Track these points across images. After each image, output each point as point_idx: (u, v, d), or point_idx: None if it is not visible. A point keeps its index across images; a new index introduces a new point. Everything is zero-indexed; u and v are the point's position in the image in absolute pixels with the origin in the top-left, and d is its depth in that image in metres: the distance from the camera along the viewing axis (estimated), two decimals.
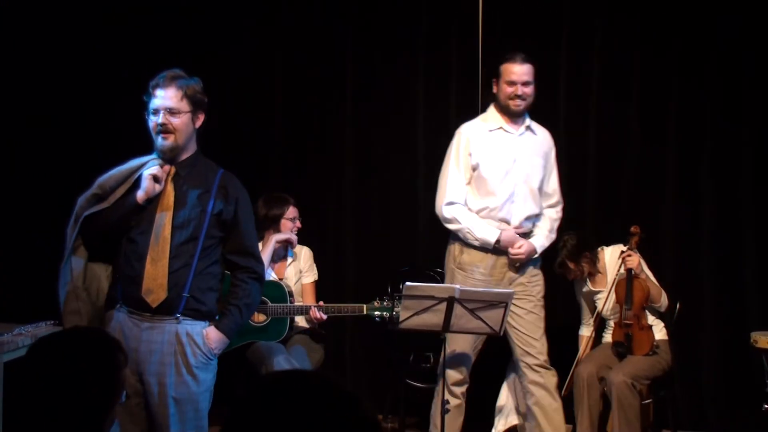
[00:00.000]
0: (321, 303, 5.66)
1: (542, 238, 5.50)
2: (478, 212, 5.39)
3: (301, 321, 5.87)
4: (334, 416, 1.68)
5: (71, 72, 6.71)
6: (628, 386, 5.38)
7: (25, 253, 6.22)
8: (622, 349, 5.63)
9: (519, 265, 5.41)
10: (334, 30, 6.89)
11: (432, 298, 4.82)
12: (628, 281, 5.60)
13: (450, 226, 5.43)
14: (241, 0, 6.89)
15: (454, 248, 5.49)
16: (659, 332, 5.74)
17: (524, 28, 6.66)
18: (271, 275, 5.86)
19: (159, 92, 3.99)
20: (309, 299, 5.93)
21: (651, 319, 5.72)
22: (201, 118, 4.11)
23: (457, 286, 4.84)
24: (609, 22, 6.56)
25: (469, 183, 5.44)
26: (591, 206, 6.55)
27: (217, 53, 6.83)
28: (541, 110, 6.11)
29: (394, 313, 5.33)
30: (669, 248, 6.39)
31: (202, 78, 6.49)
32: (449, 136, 6.66)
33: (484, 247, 5.36)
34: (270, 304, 5.67)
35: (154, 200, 3.99)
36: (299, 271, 6.00)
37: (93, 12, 6.76)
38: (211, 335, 4.06)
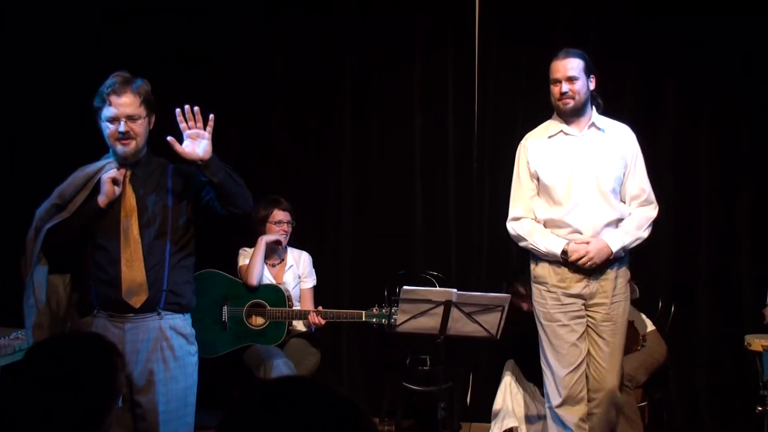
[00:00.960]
0: (320, 308, 5.61)
1: (621, 234, 4.73)
2: (545, 223, 4.82)
3: (298, 325, 5.80)
4: (331, 424, 1.63)
5: (67, 73, 6.61)
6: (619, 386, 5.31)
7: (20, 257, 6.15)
8: None
9: (596, 275, 4.72)
10: (333, 36, 6.85)
11: (429, 301, 4.78)
12: None
13: (519, 243, 4.92)
14: (241, 3, 6.84)
15: (531, 263, 4.91)
16: (646, 323, 5.70)
17: (520, 32, 6.63)
18: (268, 279, 5.79)
19: (115, 100, 3.87)
20: (307, 304, 5.89)
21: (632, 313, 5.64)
22: (153, 120, 4.01)
23: (454, 290, 4.77)
24: (602, 27, 6.52)
25: (538, 194, 4.88)
26: None
27: (215, 57, 6.79)
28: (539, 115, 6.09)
29: (392, 320, 5.26)
30: (664, 251, 6.33)
31: (200, 80, 6.52)
32: (446, 141, 6.64)
33: (556, 260, 4.75)
34: (269, 307, 5.60)
35: (115, 204, 3.91)
36: (298, 277, 5.94)
37: (84, 12, 6.68)
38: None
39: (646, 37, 6.48)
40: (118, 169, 3.93)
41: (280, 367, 5.34)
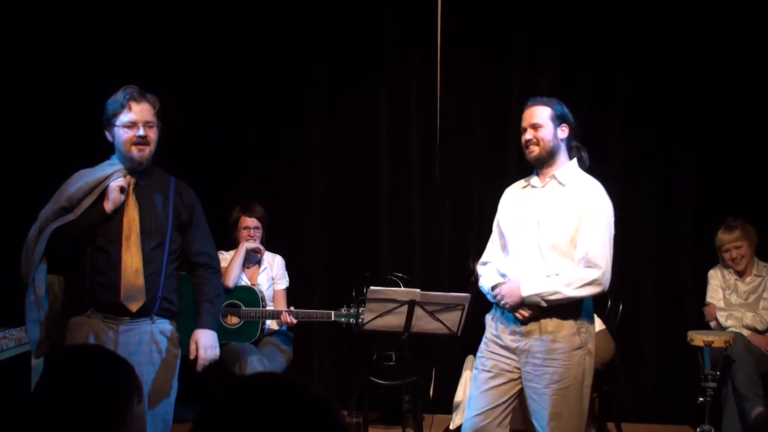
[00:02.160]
0: (291, 308, 5.66)
1: (541, 281, 4.08)
2: (504, 277, 4.27)
3: (272, 324, 5.86)
4: (302, 417, 1.66)
5: (63, 77, 6.61)
6: None
7: (9, 256, 6.12)
8: None
9: (530, 333, 4.11)
10: (306, 48, 6.89)
11: (394, 301, 4.80)
12: None
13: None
14: (214, 23, 6.85)
15: None
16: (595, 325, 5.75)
17: (480, 47, 6.71)
18: (243, 280, 5.85)
19: (135, 106, 3.94)
20: (280, 305, 5.94)
21: None
22: (159, 131, 4.10)
23: (418, 290, 4.82)
24: (557, 51, 6.64)
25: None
26: None
27: (193, 64, 6.81)
28: (494, 124, 6.19)
29: (360, 320, 5.32)
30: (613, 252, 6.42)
31: (180, 96, 6.55)
32: (410, 150, 6.70)
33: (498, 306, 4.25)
34: (243, 307, 5.65)
35: (119, 210, 3.95)
36: (272, 278, 6.00)
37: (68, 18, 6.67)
38: (201, 339, 4.11)
39: (598, 62, 6.60)
40: (125, 177, 3.98)
41: (254, 363, 5.39)
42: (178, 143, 6.73)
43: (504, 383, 4.17)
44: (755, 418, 5.16)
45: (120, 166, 4.00)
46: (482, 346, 4.29)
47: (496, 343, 4.20)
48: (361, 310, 5.30)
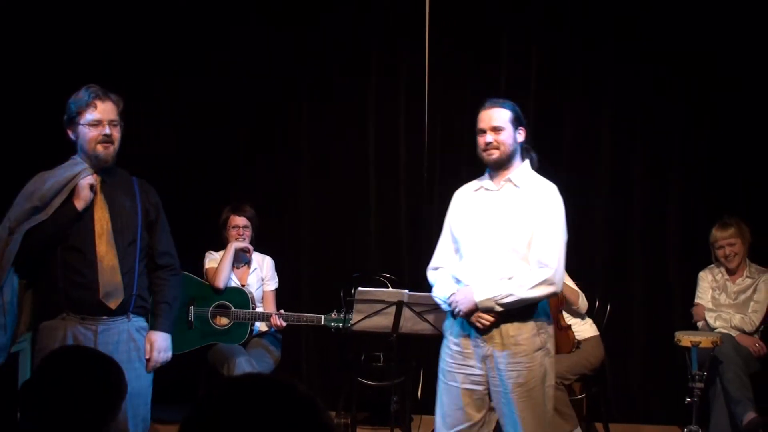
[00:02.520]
0: (282, 311, 5.64)
1: (495, 285, 4.04)
2: (458, 281, 4.21)
3: (261, 326, 5.84)
4: (291, 420, 1.65)
5: (24, 77, 6.56)
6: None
7: None
8: None
9: (491, 335, 4.06)
10: (292, 49, 6.87)
11: (382, 302, 4.81)
12: None
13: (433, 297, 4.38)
14: (200, 21, 6.82)
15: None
16: (588, 330, 5.75)
17: (468, 45, 6.70)
18: (233, 281, 5.83)
19: (100, 105, 3.92)
20: (269, 306, 5.93)
21: (571, 320, 5.72)
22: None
23: (406, 291, 4.81)
24: (544, 49, 6.64)
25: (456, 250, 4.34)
26: None
27: (179, 62, 6.80)
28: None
29: (349, 324, 5.31)
30: (600, 255, 6.43)
31: (164, 94, 6.53)
32: (398, 152, 6.69)
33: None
34: (233, 309, 5.64)
35: (88, 208, 3.92)
36: (261, 279, 5.98)
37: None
38: (157, 341, 4.06)
39: (588, 59, 6.60)
40: (93, 175, 3.95)
41: (243, 364, 5.37)
42: (169, 143, 6.77)
43: (478, 396, 4.14)
44: (747, 424, 5.16)
45: (84, 165, 3.97)
46: (447, 359, 4.21)
47: (461, 354, 4.15)
48: (349, 314, 5.30)
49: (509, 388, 4.03)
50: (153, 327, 4.09)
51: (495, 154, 4.16)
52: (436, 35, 6.62)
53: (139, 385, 3.96)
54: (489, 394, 4.12)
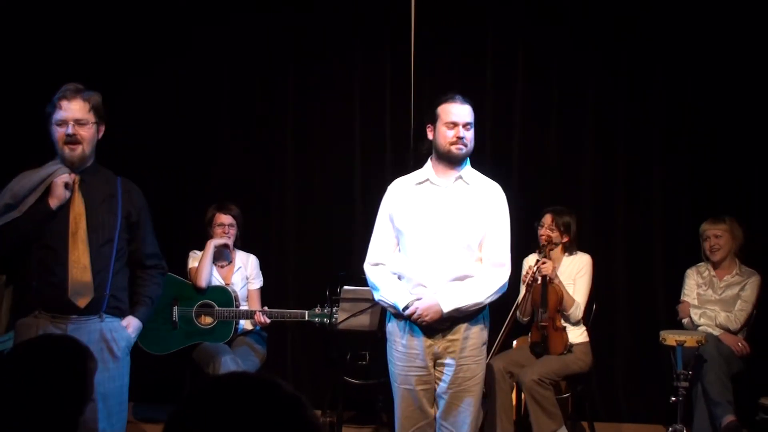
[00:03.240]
0: (265, 308, 5.63)
1: (459, 295, 4.08)
2: (401, 277, 4.23)
3: (246, 324, 5.82)
4: (277, 418, 1.64)
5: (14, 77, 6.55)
6: (537, 383, 5.37)
7: None
8: (539, 349, 5.64)
9: (443, 335, 4.12)
10: (275, 41, 6.84)
11: (368, 300, 4.78)
12: (543, 286, 5.61)
13: (373, 294, 4.36)
14: (190, 5, 6.79)
15: (387, 318, 4.36)
16: (579, 336, 5.74)
17: (453, 37, 6.69)
18: (217, 280, 5.81)
19: (65, 104, 3.89)
20: (254, 304, 5.92)
21: (564, 324, 5.72)
22: (102, 130, 4.03)
23: None
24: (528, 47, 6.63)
25: (398, 244, 4.31)
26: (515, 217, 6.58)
27: (163, 57, 6.76)
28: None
29: (333, 319, 5.32)
30: (586, 251, 6.40)
31: (153, 82, 6.49)
32: (384, 150, 6.67)
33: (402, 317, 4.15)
34: (217, 307, 5.62)
35: (64, 207, 3.89)
36: (246, 278, 5.96)
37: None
38: (131, 323, 4.06)
39: (568, 59, 6.61)
40: (69, 174, 3.92)
41: (228, 363, 5.35)
42: (148, 140, 6.73)
43: (430, 394, 4.20)
44: (725, 427, 5.16)
45: (61, 164, 3.95)
46: (396, 362, 4.23)
47: (408, 355, 4.17)
48: (334, 309, 5.30)
49: (459, 381, 4.13)
50: (132, 313, 4.09)
51: (464, 150, 4.18)
52: (422, 29, 6.60)
53: (112, 386, 3.93)
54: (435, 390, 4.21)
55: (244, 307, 5.82)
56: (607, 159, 6.61)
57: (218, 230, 5.90)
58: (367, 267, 4.36)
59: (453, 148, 4.16)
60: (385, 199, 4.37)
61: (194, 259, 5.85)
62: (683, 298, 5.94)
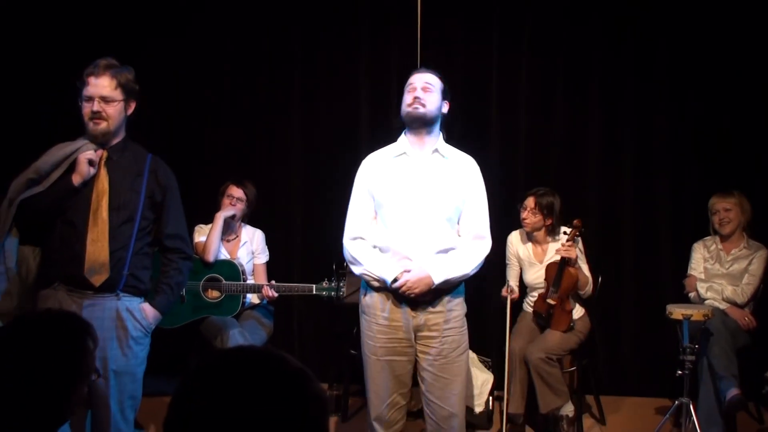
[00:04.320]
0: (273, 282, 5.62)
1: (448, 266, 4.10)
2: (383, 250, 4.21)
3: (253, 298, 5.82)
4: (283, 391, 1.64)
5: (36, 55, 6.53)
6: (543, 360, 5.41)
7: None
8: (541, 321, 5.66)
9: (425, 307, 4.12)
10: (282, 17, 6.82)
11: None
12: (560, 267, 5.59)
13: (353, 269, 4.29)
14: None
15: (361, 291, 4.32)
16: (579, 310, 5.77)
17: (459, 11, 6.67)
18: (223, 254, 5.80)
19: (93, 80, 3.89)
20: (261, 279, 5.91)
21: (573, 303, 5.73)
22: (132, 106, 4.03)
23: None
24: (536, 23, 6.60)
25: (375, 217, 4.30)
26: (521, 184, 6.58)
27: (170, 31, 6.75)
28: (474, 89, 6.16)
29: (341, 293, 5.33)
30: (593, 227, 6.40)
31: (159, 62, 6.46)
32: (390, 126, 6.62)
33: (386, 288, 4.13)
34: (224, 281, 5.62)
35: (88, 183, 3.88)
36: (252, 252, 5.96)
37: None
38: (147, 311, 4.02)
39: (574, 36, 6.58)
40: (96, 151, 3.91)
41: (236, 336, 5.35)
42: (155, 115, 6.71)
43: (407, 366, 4.19)
44: (730, 400, 5.16)
45: (87, 141, 3.94)
46: (373, 335, 4.18)
47: (389, 327, 4.15)
48: (341, 283, 5.30)
49: (445, 353, 4.12)
50: (149, 300, 4.07)
51: (420, 110, 4.14)
52: (429, 7, 6.55)
53: (126, 363, 3.93)
54: (415, 363, 4.20)
55: (250, 281, 5.82)
56: (613, 133, 6.59)
57: (225, 201, 5.89)
58: (347, 242, 4.32)
59: (410, 109, 4.16)
60: (360, 172, 4.36)
61: (200, 233, 5.84)
62: (690, 272, 5.93)
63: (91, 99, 3.88)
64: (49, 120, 5.93)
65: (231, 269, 5.67)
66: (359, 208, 4.31)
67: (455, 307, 4.17)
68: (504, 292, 5.79)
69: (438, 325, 4.11)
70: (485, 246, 4.23)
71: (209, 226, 5.84)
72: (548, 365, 5.40)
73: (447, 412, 4.14)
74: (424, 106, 4.14)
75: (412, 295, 4.05)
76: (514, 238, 5.96)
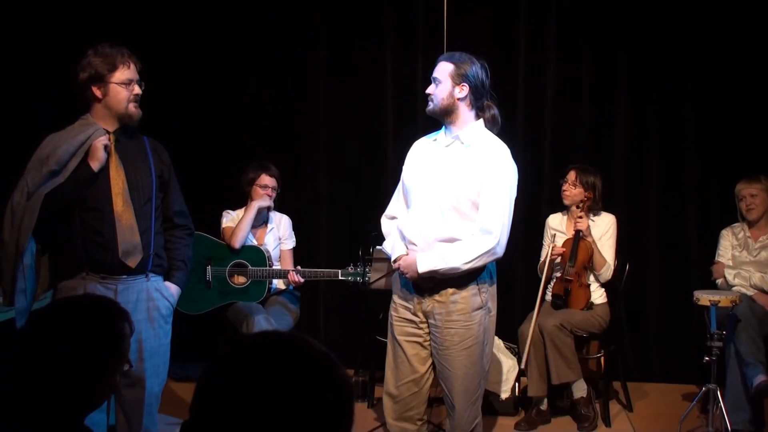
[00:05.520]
0: (299, 267, 5.63)
1: (438, 257, 4.01)
2: (401, 232, 4.24)
3: (279, 284, 5.83)
4: (308, 376, 1.64)
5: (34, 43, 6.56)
6: (558, 328, 5.42)
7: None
8: (560, 301, 5.65)
9: (431, 294, 4.10)
10: (306, 10, 6.82)
11: None
12: (575, 240, 5.62)
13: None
14: None
15: None
16: (600, 297, 5.75)
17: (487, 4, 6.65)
18: (252, 240, 5.81)
19: (129, 65, 3.92)
20: (287, 264, 5.92)
21: (592, 279, 5.71)
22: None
23: None
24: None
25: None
26: (547, 167, 6.55)
27: (197, 18, 6.78)
28: (501, 69, 6.14)
29: (366, 278, 5.33)
30: (619, 212, 6.34)
31: (179, 51, 6.49)
32: (416, 111, 6.62)
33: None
34: (250, 267, 5.62)
35: (104, 168, 3.89)
36: (278, 238, 5.96)
37: None
38: (172, 288, 4.09)
39: (601, 23, 6.53)
40: (106, 135, 3.91)
41: (261, 322, 5.36)
42: (181, 100, 6.74)
43: (421, 350, 4.18)
44: (757, 386, 5.12)
45: (96, 125, 3.92)
46: (392, 313, 4.26)
47: (405, 308, 4.20)
48: (367, 269, 5.30)
49: (446, 344, 4.09)
50: (170, 278, 4.11)
51: (429, 106, 4.16)
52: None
53: (158, 343, 3.99)
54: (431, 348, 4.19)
55: (276, 267, 5.82)
56: (640, 119, 6.55)
57: (260, 191, 5.86)
58: (383, 219, 4.43)
59: (426, 105, 4.21)
60: (408, 154, 4.38)
61: (230, 219, 5.85)
62: (717, 258, 5.88)
63: (132, 82, 3.91)
64: (49, 120, 5.92)
65: (258, 255, 5.68)
66: (398, 189, 4.38)
67: (461, 300, 4.07)
68: (543, 257, 5.83)
69: (441, 315, 4.09)
70: (488, 242, 3.99)
71: (237, 212, 5.84)
72: (563, 333, 5.41)
73: (449, 402, 4.17)
74: (432, 101, 4.14)
75: (407, 278, 4.11)
76: (552, 220, 5.94)
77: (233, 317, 5.58)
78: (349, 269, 5.45)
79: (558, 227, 5.91)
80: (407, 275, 4.09)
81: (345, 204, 6.80)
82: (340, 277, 5.48)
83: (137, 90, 3.93)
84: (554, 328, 5.42)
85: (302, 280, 5.59)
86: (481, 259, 4.01)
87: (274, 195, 5.91)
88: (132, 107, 3.92)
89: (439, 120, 4.19)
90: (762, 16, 6.23)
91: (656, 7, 6.44)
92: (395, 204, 4.37)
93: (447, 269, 4.00)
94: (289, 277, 5.61)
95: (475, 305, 4.08)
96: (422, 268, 4.01)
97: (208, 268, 5.66)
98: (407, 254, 4.12)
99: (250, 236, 5.83)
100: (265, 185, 5.87)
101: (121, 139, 3.97)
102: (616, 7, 6.48)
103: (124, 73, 3.89)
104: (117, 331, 2.36)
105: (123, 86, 3.89)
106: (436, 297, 4.09)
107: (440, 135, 4.22)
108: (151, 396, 3.97)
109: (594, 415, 5.53)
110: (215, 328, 5.77)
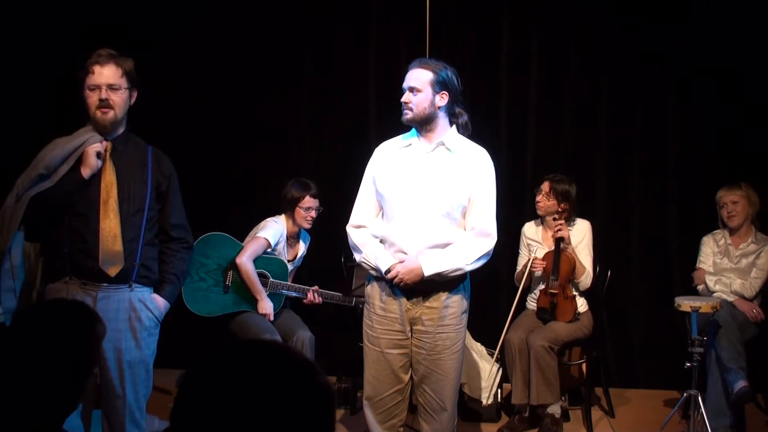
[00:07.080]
0: (316, 287, 5.63)
1: (441, 259, 4.04)
2: (382, 241, 4.19)
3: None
4: (289, 384, 1.64)
5: (38, 46, 6.53)
6: (546, 349, 5.40)
7: None
8: (547, 315, 5.64)
9: (421, 300, 4.10)
10: (288, 13, 6.82)
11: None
12: (556, 252, 5.61)
13: (354, 255, 4.31)
14: None
15: (366, 280, 4.38)
16: (582, 305, 5.77)
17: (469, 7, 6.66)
18: (283, 255, 5.73)
19: (98, 69, 3.88)
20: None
21: (573, 290, 5.73)
22: (134, 96, 4.03)
23: None
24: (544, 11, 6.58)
25: (381, 208, 4.27)
26: (530, 173, 6.57)
27: (188, 26, 6.76)
28: (484, 72, 6.16)
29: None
30: (601, 221, 6.39)
31: (173, 51, 6.46)
32: (399, 114, 6.62)
33: (383, 279, 4.14)
34: (271, 279, 5.59)
35: (96, 175, 3.89)
36: (301, 257, 5.95)
37: None
38: (158, 301, 4.06)
39: (584, 26, 6.56)
40: (101, 142, 3.91)
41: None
42: (175, 112, 6.70)
43: (405, 359, 4.19)
44: (737, 392, 5.15)
45: (94, 132, 3.93)
46: (373, 324, 4.22)
47: (386, 319, 4.17)
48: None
49: (438, 349, 4.11)
50: (158, 291, 4.08)
51: (408, 115, 4.11)
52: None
53: (140, 354, 3.97)
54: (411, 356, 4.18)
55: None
56: (622, 125, 6.58)
57: (303, 213, 5.74)
58: (350, 228, 4.31)
59: (402, 116, 4.14)
60: (371, 161, 4.32)
61: (271, 234, 5.68)
62: (699, 265, 5.91)
63: (97, 87, 3.88)
64: (49, 120, 5.92)
65: (280, 268, 5.63)
66: (365, 196, 4.30)
67: (452, 304, 4.12)
68: (520, 267, 5.87)
69: (433, 320, 4.09)
70: (487, 243, 4.09)
71: (281, 217, 5.77)
72: (548, 355, 5.39)
73: (438, 405, 4.17)
74: (411, 110, 4.10)
75: (402, 285, 4.05)
76: (527, 229, 5.95)
77: (237, 328, 5.50)
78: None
79: (534, 237, 5.92)
80: (407, 281, 4.04)
81: (327, 211, 6.76)
82: (353, 304, 5.56)
83: (102, 95, 3.87)
84: (541, 348, 5.39)
85: (320, 300, 5.59)
86: (481, 260, 4.10)
87: (315, 216, 5.83)
88: (98, 113, 3.89)
89: (419, 130, 4.16)
90: (746, 19, 6.26)
91: (640, 10, 6.45)
92: (363, 212, 4.30)
93: (452, 270, 4.03)
94: (308, 295, 5.58)
95: (463, 308, 4.17)
96: (429, 271, 4.01)
97: (230, 273, 5.58)
98: (401, 262, 4.07)
99: (285, 250, 5.77)
100: (309, 207, 5.77)
101: (119, 147, 3.97)
102: (600, 11, 6.52)
103: (91, 78, 3.88)
104: (89, 333, 2.38)
105: (90, 92, 3.89)
106: (428, 303, 4.10)
107: (414, 141, 4.18)
108: (132, 405, 3.95)
109: None
110: (219, 337, 5.72)
